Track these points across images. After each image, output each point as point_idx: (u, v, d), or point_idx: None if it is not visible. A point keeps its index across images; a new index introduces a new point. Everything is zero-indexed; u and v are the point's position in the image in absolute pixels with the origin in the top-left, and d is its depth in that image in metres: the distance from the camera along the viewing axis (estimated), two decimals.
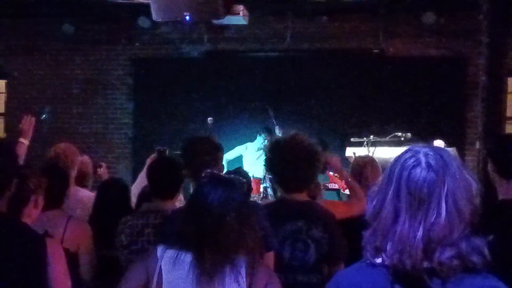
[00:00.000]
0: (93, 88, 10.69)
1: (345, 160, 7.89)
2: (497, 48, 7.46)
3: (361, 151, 7.27)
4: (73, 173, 4.63)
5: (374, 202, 1.64)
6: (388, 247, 1.57)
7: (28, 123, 4.21)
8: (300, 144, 3.41)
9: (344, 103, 9.85)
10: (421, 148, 1.64)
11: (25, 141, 4.16)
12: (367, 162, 4.62)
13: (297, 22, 9.86)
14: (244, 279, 2.36)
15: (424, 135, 8.60)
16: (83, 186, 4.92)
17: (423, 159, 1.60)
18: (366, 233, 1.65)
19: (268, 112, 8.75)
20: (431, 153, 1.62)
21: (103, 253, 3.81)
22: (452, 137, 8.92)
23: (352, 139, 7.55)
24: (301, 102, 9.95)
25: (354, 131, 8.85)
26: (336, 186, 7.96)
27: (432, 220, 1.54)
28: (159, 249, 2.40)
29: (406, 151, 1.66)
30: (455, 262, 1.53)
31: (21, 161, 3.95)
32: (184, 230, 2.42)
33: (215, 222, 2.35)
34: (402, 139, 7.26)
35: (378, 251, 1.60)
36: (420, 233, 1.54)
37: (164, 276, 2.34)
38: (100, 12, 9.77)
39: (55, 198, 3.54)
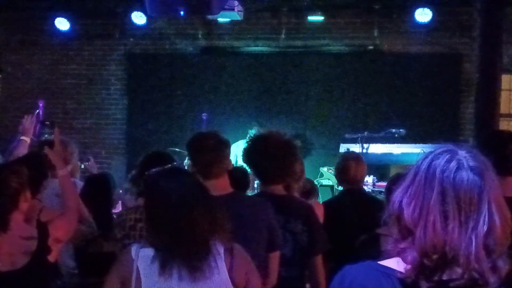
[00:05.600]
0: (87, 83, 10.66)
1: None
2: (491, 45, 7.47)
3: (355, 148, 7.28)
4: (69, 167, 4.66)
5: (412, 206, 1.50)
6: (435, 256, 1.44)
7: (29, 121, 4.27)
8: (276, 137, 3.52)
9: (338, 99, 9.84)
10: (456, 149, 1.53)
11: (26, 139, 4.22)
12: (352, 158, 4.62)
13: (292, 18, 9.85)
14: (224, 266, 2.35)
15: (418, 132, 8.63)
16: None
17: (464, 161, 1.50)
18: (391, 237, 1.55)
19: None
20: (470, 154, 1.52)
21: (89, 249, 3.82)
22: (446, 134, 8.94)
23: (346, 135, 7.56)
24: (295, 98, 9.95)
25: (348, 127, 8.86)
26: (330, 183, 7.98)
27: (486, 228, 1.44)
28: (133, 249, 2.36)
29: (440, 152, 1.53)
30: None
31: None
32: (151, 227, 2.41)
33: (178, 214, 2.33)
34: (396, 135, 7.27)
35: (409, 258, 1.48)
36: (474, 242, 1.43)
37: (142, 275, 2.30)
38: (94, 7, 9.75)
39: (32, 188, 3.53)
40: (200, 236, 2.33)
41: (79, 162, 5.20)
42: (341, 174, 4.56)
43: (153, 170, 2.52)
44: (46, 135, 3.39)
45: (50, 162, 3.36)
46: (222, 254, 2.37)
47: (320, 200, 7.90)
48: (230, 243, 2.42)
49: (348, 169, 4.47)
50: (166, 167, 2.51)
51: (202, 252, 2.32)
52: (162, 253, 2.31)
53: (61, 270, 3.64)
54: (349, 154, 4.97)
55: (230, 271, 2.36)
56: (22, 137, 4.21)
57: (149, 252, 2.33)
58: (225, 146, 3.29)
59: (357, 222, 3.99)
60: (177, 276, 2.29)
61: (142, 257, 2.32)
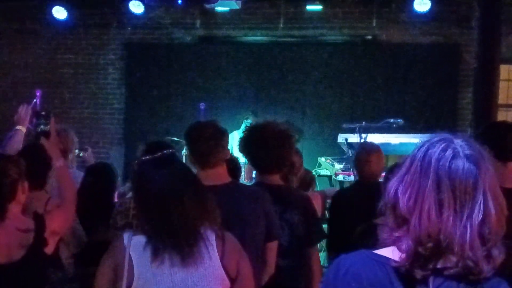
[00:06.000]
0: (85, 72, 10.64)
1: (337, 146, 7.92)
2: (489, 35, 7.45)
3: (353, 138, 7.28)
4: (70, 157, 4.71)
5: (407, 195, 1.50)
6: (429, 244, 1.45)
7: (24, 111, 4.27)
8: (272, 126, 3.51)
9: (336, 89, 9.83)
10: (452, 138, 1.53)
11: (22, 128, 4.23)
12: (373, 150, 4.55)
13: (290, 7, 9.82)
14: (216, 253, 2.36)
15: (416, 122, 8.63)
16: None
17: (460, 150, 1.49)
18: (386, 226, 1.54)
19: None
20: (465, 143, 1.51)
21: (91, 238, 3.81)
22: (444, 124, 8.94)
23: (344, 125, 7.55)
24: (293, 88, 9.93)
25: (346, 117, 8.85)
26: (328, 173, 7.99)
27: (481, 216, 1.44)
28: (125, 236, 2.37)
29: (436, 141, 1.53)
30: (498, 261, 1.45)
31: (19, 148, 4.00)
32: (141, 216, 2.43)
33: (167, 201, 2.34)
34: (394, 125, 7.26)
35: (404, 247, 1.48)
36: (468, 230, 1.44)
37: (134, 262, 2.31)
38: None
39: (36, 180, 3.52)
40: (190, 223, 2.34)
41: (77, 151, 5.20)
42: (361, 165, 4.44)
43: (142, 158, 2.52)
44: (42, 126, 3.36)
45: (46, 153, 3.35)
46: (214, 241, 2.38)
47: (319, 189, 7.94)
48: (221, 231, 2.43)
49: (368, 161, 4.37)
50: (155, 155, 2.50)
51: (192, 239, 2.33)
52: (153, 240, 2.32)
53: (62, 262, 3.64)
54: (371, 147, 4.71)
55: (221, 258, 2.37)
56: (18, 127, 4.21)
57: (141, 239, 2.34)
58: (223, 135, 3.26)
59: (372, 215, 3.95)
60: (169, 263, 2.30)
61: (134, 244, 2.33)
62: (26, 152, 3.53)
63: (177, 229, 2.31)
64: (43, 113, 3.41)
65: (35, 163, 3.38)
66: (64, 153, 4.53)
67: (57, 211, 3.15)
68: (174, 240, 2.30)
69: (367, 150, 4.53)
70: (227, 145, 3.32)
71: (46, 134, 3.32)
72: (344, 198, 4.50)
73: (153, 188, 2.36)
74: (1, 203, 2.85)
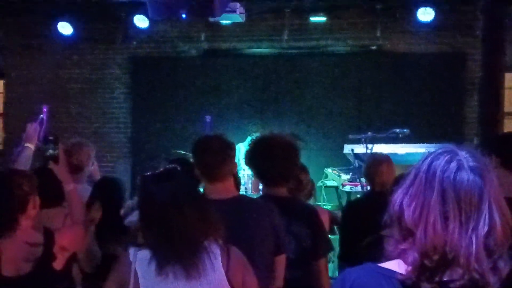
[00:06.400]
0: (91, 87, 10.68)
1: (344, 157, 7.91)
2: (494, 43, 7.45)
3: (359, 148, 7.28)
4: (86, 171, 4.70)
5: (412, 207, 1.50)
6: (435, 257, 1.44)
7: (33, 129, 4.31)
8: (278, 139, 3.51)
9: (342, 99, 9.83)
10: (456, 149, 1.53)
11: (31, 146, 4.26)
12: (383, 160, 4.58)
13: (294, 19, 9.85)
14: (221, 266, 2.38)
15: (422, 132, 8.61)
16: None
17: (464, 162, 1.49)
18: (392, 238, 1.54)
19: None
20: (470, 155, 1.51)
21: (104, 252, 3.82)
22: (450, 133, 8.93)
23: (350, 136, 7.55)
24: (299, 100, 9.94)
25: (352, 128, 8.85)
26: (335, 184, 7.97)
27: (486, 228, 1.44)
28: (131, 252, 2.42)
29: (440, 153, 1.53)
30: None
31: (28, 164, 4.02)
32: (145, 231, 2.46)
33: (169, 215, 2.37)
34: (400, 135, 7.25)
35: (410, 259, 1.47)
36: (474, 242, 1.43)
37: (140, 276, 2.35)
38: (97, 11, 9.77)
39: (53, 196, 3.54)
40: (192, 236, 2.37)
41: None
42: (371, 176, 4.50)
43: (146, 173, 2.56)
44: (51, 151, 3.39)
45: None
46: (218, 255, 2.40)
47: (325, 200, 7.94)
48: (226, 245, 2.45)
49: (380, 171, 4.42)
50: (158, 170, 2.55)
51: (195, 251, 2.36)
52: (157, 253, 2.36)
53: (73, 278, 3.64)
54: (380, 157, 4.81)
55: (226, 272, 2.39)
56: (27, 144, 4.24)
57: (146, 254, 2.38)
58: (230, 149, 3.26)
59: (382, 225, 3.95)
60: (172, 275, 2.33)
61: (140, 259, 2.37)
62: (42, 169, 3.55)
63: (179, 241, 2.35)
64: (51, 137, 3.44)
65: (51, 180, 3.40)
66: (79, 169, 4.54)
67: (68, 228, 3.18)
68: (177, 253, 2.34)
69: (377, 160, 4.58)
70: (234, 159, 3.32)
71: (55, 159, 3.35)
72: (355, 208, 4.55)
73: (155, 202, 2.41)
74: (11, 215, 2.88)
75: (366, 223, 4.18)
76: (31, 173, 3.13)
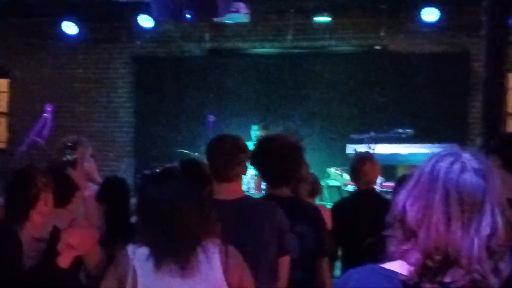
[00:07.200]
0: (95, 86, 10.72)
1: (347, 156, 7.91)
2: (497, 44, 7.44)
3: (362, 148, 7.28)
4: (84, 165, 4.73)
5: (415, 208, 1.51)
6: (437, 257, 1.45)
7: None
8: (282, 139, 3.52)
9: (346, 99, 9.84)
10: (460, 151, 1.54)
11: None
12: (366, 159, 4.63)
13: (298, 19, 9.86)
14: (219, 267, 2.41)
15: (425, 132, 8.62)
16: None
17: (468, 164, 1.51)
18: (395, 238, 1.55)
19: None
20: (473, 157, 1.53)
21: (107, 251, 3.83)
22: (454, 133, 8.92)
23: (353, 136, 7.56)
24: (302, 99, 9.96)
25: (355, 128, 8.86)
26: (337, 183, 7.98)
27: (488, 230, 1.46)
28: (130, 249, 2.45)
29: (444, 154, 1.54)
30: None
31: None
32: (143, 229, 2.49)
33: (166, 214, 2.40)
34: (403, 135, 7.26)
35: (412, 260, 1.49)
36: (476, 243, 1.45)
37: (138, 273, 2.39)
38: (102, 11, 9.79)
39: (61, 196, 3.56)
40: (189, 234, 2.40)
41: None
42: (356, 174, 4.57)
43: (145, 173, 2.61)
44: (68, 156, 3.41)
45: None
46: (216, 254, 2.43)
47: (328, 200, 7.94)
48: (225, 245, 2.48)
49: (363, 169, 4.49)
50: (157, 170, 2.59)
51: (191, 249, 2.39)
52: (155, 251, 2.39)
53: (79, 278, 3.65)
54: (363, 155, 4.96)
55: (224, 272, 2.42)
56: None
57: (144, 251, 2.42)
58: (241, 151, 3.25)
59: (370, 224, 3.99)
60: (169, 272, 2.37)
61: (138, 256, 2.41)
62: (56, 171, 3.57)
63: (175, 239, 2.38)
64: (70, 144, 3.47)
65: (61, 182, 3.41)
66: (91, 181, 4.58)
67: (79, 228, 3.18)
68: (173, 250, 2.38)
69: (361, 159, 4.67)
70: (245, 161, 3.31)
71: (73, 165, 3.37)
72: (342, 207, 4.63)
73: (153, 200, 2.45)
74: (23, 207, 2.91)
75: (354, 221, 4.26)
76: (47, 170, 3.14)
